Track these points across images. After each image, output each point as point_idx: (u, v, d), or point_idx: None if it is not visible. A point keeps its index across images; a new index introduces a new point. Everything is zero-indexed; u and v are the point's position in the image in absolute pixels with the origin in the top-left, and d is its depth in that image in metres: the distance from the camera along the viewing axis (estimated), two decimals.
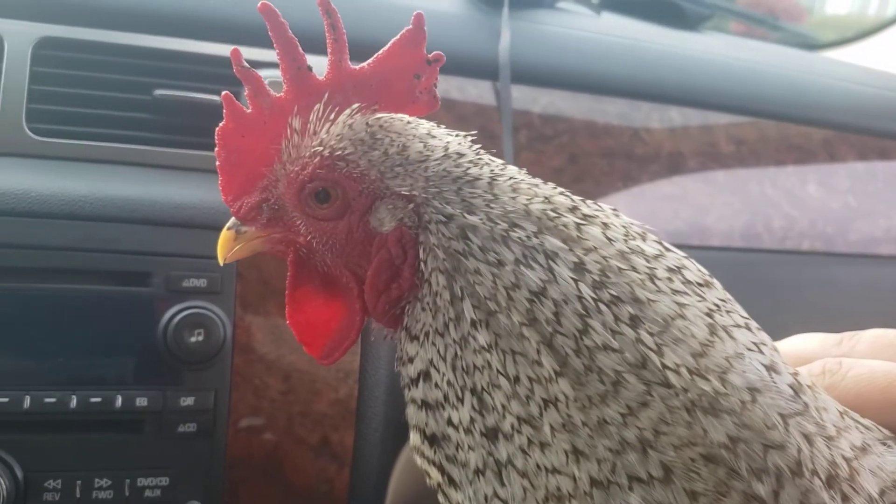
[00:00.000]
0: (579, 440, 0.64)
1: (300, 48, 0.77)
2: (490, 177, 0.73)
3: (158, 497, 1.25)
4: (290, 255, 0.81)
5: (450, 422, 0.70)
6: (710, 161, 1.87)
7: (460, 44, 1.71)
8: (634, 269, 0.68)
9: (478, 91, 1.70)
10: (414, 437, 0.74)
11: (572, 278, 0.67)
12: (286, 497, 1.35)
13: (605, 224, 0.71)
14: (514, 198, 0.72)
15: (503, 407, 0.67)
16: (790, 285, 1.91)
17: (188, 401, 1.27)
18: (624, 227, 0.73)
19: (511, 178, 0.74)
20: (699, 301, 0.69)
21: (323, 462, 1.37)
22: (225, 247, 0.79)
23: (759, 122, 1.97)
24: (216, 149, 0.78)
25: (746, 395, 0.62)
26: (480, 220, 0.71)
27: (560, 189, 0.75)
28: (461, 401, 0.69)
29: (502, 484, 0.67)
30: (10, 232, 1.25)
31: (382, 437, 1.46)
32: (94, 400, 1.23)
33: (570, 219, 0.71)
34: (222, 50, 1.49)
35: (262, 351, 1.34)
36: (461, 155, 0.75)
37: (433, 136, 0.77)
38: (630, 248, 0.70)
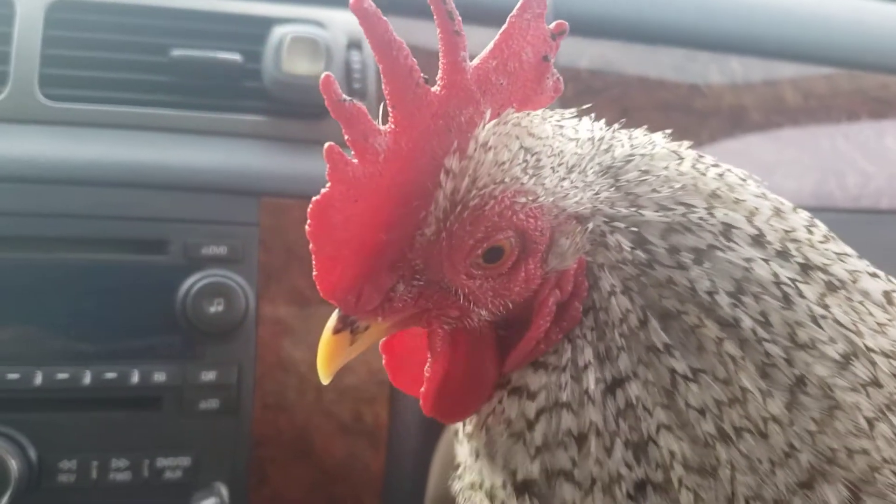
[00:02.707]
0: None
1: (411, 55, 0.58)
2: (636, 152, 0.64)
3: (179, 478, 1.18)
4: (437, 332, 0.64)
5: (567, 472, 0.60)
6: (775, 115, 1.71)
7: None
8: (795, 229, 0.64)
9: None
10: (492, 480, 0.64)
11: (763, 259, 0.61)
12: (318, 478, 1.26)
13: (742, 179, 0.66)
14: (667, 169, 0.64)
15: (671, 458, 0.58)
16: (868, 248, 1.74)
17: (210, 375, 1.19)
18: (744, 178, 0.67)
19: (647, 144, 0.66)
20: (858, 260, 0.65)
21: (355, 440, 1.27)
22: (337, 355, 0.60)
23: (830, 72, 1.80)
24: (311, 227, 0.58)
25: None
26: (655, 213, 0.61)
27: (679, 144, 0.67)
28: (609, 451, 0.59)
29: None
30: (21, 200, 1.18)
31: (421, 413, 1.34)
32: (108, 375, 1.16)
33: (721, 181, 0.65)
34: (241, 7, 1.40)
35: (289, 322, 1.25)
36: (602, 139, 0.65)
37: (567, 127, 0.65)
38: (778, 205, 0.65)
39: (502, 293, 0.61)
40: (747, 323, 0.58)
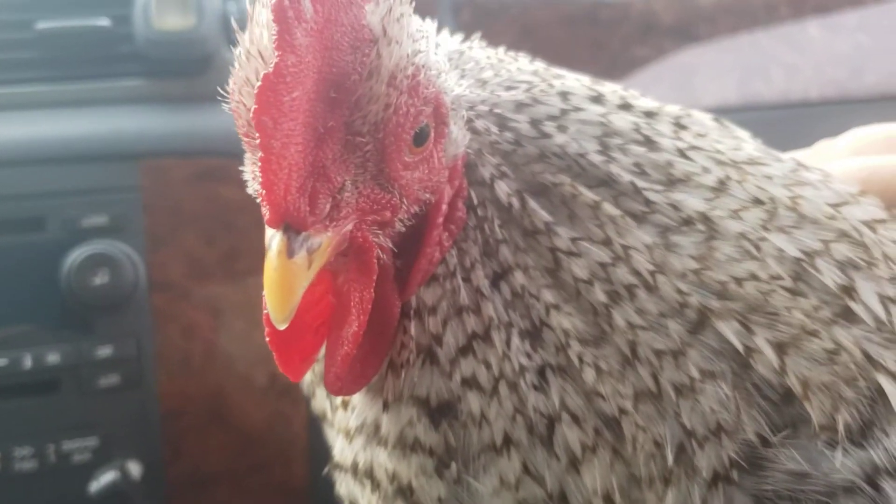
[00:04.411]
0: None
1: None
2: (463, 48, 0.67)
3: (89, 460, 1.13)
4: (370, 250, 0.55)
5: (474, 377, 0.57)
6: (688, 15, 1.65)
7: None
8: (616, 90, 0.66)
9: None
10: (404, 415, 0.58)
11: (612, 112, 0.63)
12: (238, 444, 1.21)
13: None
14: (490, 58, 0.66)
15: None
16: (802, 142, 1.69)
17: (106, 350, 1.14)
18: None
19: (469, 44, 0.68)
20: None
21: (273, 399, 1.22)
22: (298, 284, 0.49)
23: None
24: (258, 114, 0.47)
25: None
26: (506, 92, 0.62)
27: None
28: (508, 343, 0.56)
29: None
30: None
31: None
32: None
33: (534, 63, 0.68)
34: None
35: (185, 285, 1.19)
36: (428, 34, 0.62)
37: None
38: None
39: (425, 182, 0.56)
40: (625, 177, 0.57)
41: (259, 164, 0.48)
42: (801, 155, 0.75)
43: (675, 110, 0.65)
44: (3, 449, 1.10)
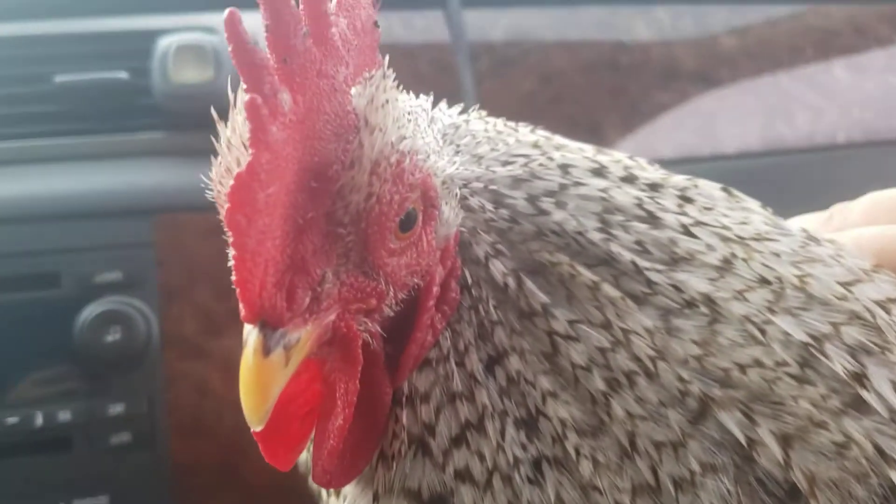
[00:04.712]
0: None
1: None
2: (459, 121, 0.65)
3: None
4: (355, 339, 0.53)
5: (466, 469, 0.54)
6: (709, 60, 1.63)
7: None
8: (621, 159, 0.64)
9: (425, 23, 1.51)
10: None
11: (614, 186, 0.60)
12: (248, 501, 1.19)
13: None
14: (487, 131, 0.64)
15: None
16: (828, 187, 1.65)
17: (118, 408, 1.13)
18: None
19: (466, 117, 0.66)
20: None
21: None
22: (274, 383, 0.47)
23: (766, 9, 1.71)
24: (231, 213, 0.45)
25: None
26: (503, 167, 0.60)
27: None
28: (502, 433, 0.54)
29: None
30: None
31: None
32: (10, 420, 1.10)
33: (536, 134, 0.66)
34: (123, 24, 1.36)
35: (197, 341, 1.18)
36: (423, 109, 0.62)
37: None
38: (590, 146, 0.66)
39: (413, 267, 0.54)
40: (626, 256, 0.55)
41: (233, 261, 0.46)
42: (813, 220, 0.73)
43: (681, 181, 0.63)
44: None
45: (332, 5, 0.52)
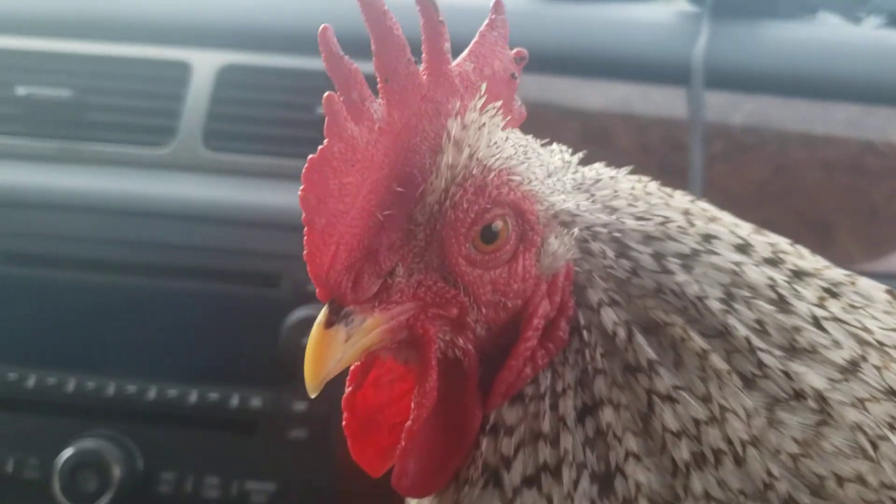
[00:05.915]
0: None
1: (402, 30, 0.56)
2: (604, 176, 0.64)
3: (263, 503, 1.21)
4: (430, 343, 0.55)
5: None
6: None
7: (648, 47, 1.55)
8: (778, 243, 0.61)
9: (665, 98, 1.52)
10: None
11: (752, 263, 0.58)
12: None
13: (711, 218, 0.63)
14: (635, 190, 0.63)
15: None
16: None
17: (301, 406, 1.23)
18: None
19: (614, 174, 0.65)
20: None
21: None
22: (328, 355, 0.51)
23: None
24: (304, 192, 0.52)
25: None
26: (635, 221, 0.59)
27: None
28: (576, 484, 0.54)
29: None
30: (175, 234, 1.32)
31: None
32: (212, 396, 1.23)
33: (692, 203, 0.63)
34: None
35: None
36: (570, 161, 0.65)
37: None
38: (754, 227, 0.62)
39: (501, 289, 0.56)
40: (740, 331, 0.53)
41: (304, 236, 0.52)
42: None
43: (837, 275, 0.59)
44: (197, 474, 1.22)
45: (466, 51, 0.59)
